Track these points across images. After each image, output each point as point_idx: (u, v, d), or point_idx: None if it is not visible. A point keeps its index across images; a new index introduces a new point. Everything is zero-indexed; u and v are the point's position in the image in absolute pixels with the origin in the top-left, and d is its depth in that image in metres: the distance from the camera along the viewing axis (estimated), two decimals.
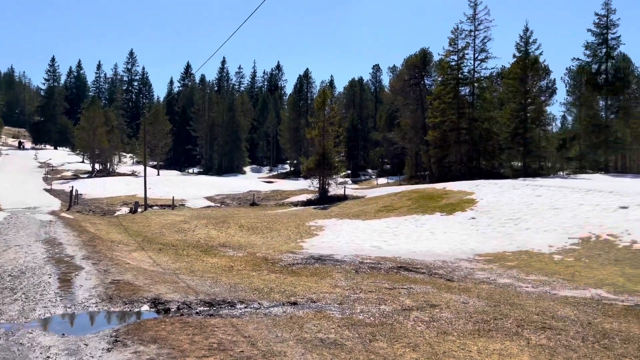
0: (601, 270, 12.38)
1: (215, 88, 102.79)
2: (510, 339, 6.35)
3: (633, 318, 7.75)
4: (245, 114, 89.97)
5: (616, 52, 49.19)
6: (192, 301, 7.87)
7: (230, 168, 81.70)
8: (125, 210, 30.60)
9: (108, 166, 63.05)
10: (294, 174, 72.46)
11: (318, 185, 34.70)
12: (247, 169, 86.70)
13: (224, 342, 5.71)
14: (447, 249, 16.60)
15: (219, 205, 35.16)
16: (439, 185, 31.32)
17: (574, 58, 52.34)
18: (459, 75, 46.59)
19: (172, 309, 7.36)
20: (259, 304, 7.93)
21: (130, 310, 7.30)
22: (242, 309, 7.54)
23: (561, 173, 46.35)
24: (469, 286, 10.55)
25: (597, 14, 48.38)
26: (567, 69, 56.28)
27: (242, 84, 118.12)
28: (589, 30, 48.96)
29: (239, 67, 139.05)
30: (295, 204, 33.62)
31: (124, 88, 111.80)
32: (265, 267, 12.65)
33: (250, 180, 59.23)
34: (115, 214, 28.95)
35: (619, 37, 48.34)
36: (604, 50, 48.26)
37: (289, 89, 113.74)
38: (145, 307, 7.45)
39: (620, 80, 47.15)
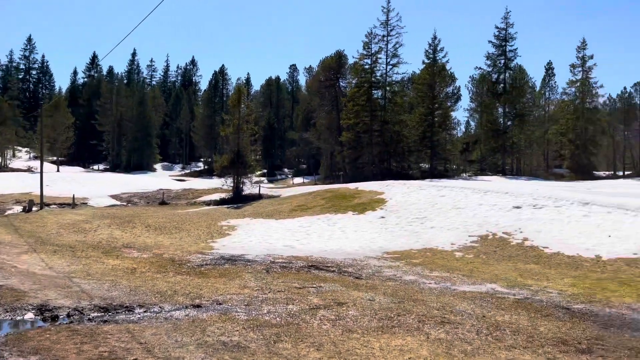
0: (497, 266, 13.23)
1: (125, 81, 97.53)
2: (411, 335, 6.53)
3: (522, 310, 8.31)
4: (157, 109, 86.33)
5: (513, 63, 53.18)
6: (85, 307, 7.30)
7: (140, 165, 77.94)
8: (17, 209, 28.06)
9: (0, 161, 57.63)
10: (207, 173, 70.67)
11: (232, 184, 34.06)
12: (157, 166, 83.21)
13: (117, 350, 5.31)
14: (357, 247, 16.94)
15: (125, 204, 33.35)
16: (352, 185, 31.99)
17: (477, 67, 56.05)
18: (372, 79, 47.93)
19: (61, 316, 6.77)
20: (160, 307, 7.53)
21: (11, 319, 6.60)
22: (141, 314, 7.10)
23: (464, 175, 49.27)
24: (376, 284, 10.79)
25: (497, 27, 52.03)
26: (470, 77, 60.29)
27: (154, 77, 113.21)
28: (490, 41, 52.55)
29: (151, 60, 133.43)
30: (208, 203, 32.76)
31: (21, 77, 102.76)
32: (171, 269, 12.11)
33: (161, 178, 56.92)
34: (6, 213, 26.44)
35: (516, 49, 52.32)
36: (503, 61, 51.98)
37: (203, 84, 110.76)
38: (29, 315, 6.78)
39: (517, 90, 51.03)
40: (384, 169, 46.99)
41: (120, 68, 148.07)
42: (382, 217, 21.51)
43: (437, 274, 12.35)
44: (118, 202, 33.60)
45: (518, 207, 19.31)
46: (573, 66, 56.43)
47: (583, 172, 52.76)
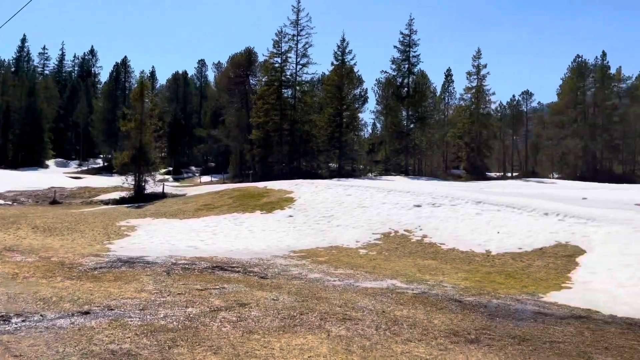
0: (398, 262, 13.72)
1: (13, 69, 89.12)
2: (312, 333, 6.52)
3: (419, 304, 8.65)
4: (50, 100, 79.81)
5: (417, 68, 55.98)
6: None
7: (29, 161, 71.58)
8: None
9: None
10: (107, 170, 66.59)
11: (133, 182, 32.36)
12: (50, 162, 76.95)
13: None
14: (264, 246, 16.77)
15: (10, 203, 30.40)
16: (261, 184, 31.73)
17: (383, 71, 58.40)
18: (283, 78, 47.99)
19: None
20: (41, 316, 6.86)
21: None
22: (18, 324, 6.42)
23: (370, 175, 50.93)
24: (281, 283, 10.72)
25: (402, 33, 54.42)
26: (376, 80, 62.45)
27: (47, 67, 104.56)
28: (395, 46, 54.84)
29: (44, 48, 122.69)
30: (106, 202, 30.82)
31: None
32: (60, 273, 11.14)
33: (54, 175, 52.65)
34: None
35: (419, 55, 55.09)
36: (407, 66, 54.47)
37: (104, 76, 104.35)
38: None
39: (419, 94, 53.75)
40: (293, 168, 47.25)
41: (8, 55, 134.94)
42: (291, 216, 21.53)
43: (342, 271, 12.54)
44: (1, 201, 30.54)
45: (418, 206, 20.24)
46: (469, 74, 60.53)
47: (477, 173, 56.78)
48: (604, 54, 63.44)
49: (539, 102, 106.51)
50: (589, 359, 6.04)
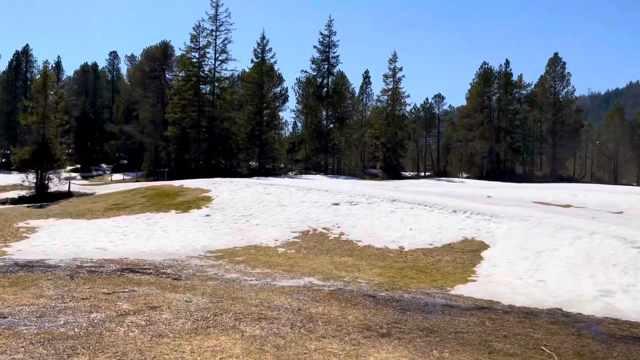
0: (315, 260, 13.85)
1: None
2: (226, 334, 6.39)
3: (334, 301, 8.77)
4: None
5: (336, 69, 56.94)
6: None
7: None
8: None
9: None
10: (5, 167, 61.18)
11: (35, 180, 30.01)
12: None
13: None
14: (179, 246, 16.23)
15: None
16: (176, 183, 30.69)
17: (303, 70, 58.68)
18: (200, 73, 46.80)
19: None
20: None
21: None
22: None
23: (290, 173, 51.07)
24: (195, 284, 10.40)
25: (321, 34, 55.05)
26: (297, 79, 62.70)
27: None
28: (315, 47, 55.34)
29: None
30: (3, 202, 28.33)
31: None
32: None
33: None
34: None
35: (338, 56, 56.06)
36: (326, 66, 55.23)
37: (2, 65, 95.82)
38: None
39: (339, 95, 54.70)
40: (211, 167, 46.22)
41: None
42: (208, 215, 21.02)
43: (259, 271, 12.43)
44: None
45: (336, 204, 20.58)
46: (386, 76, 62.50)
47: (393, 172, 58.82)
48: (507, 62, 68.32)
49: (450, 105, 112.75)
50: (489, 347, 6.43)
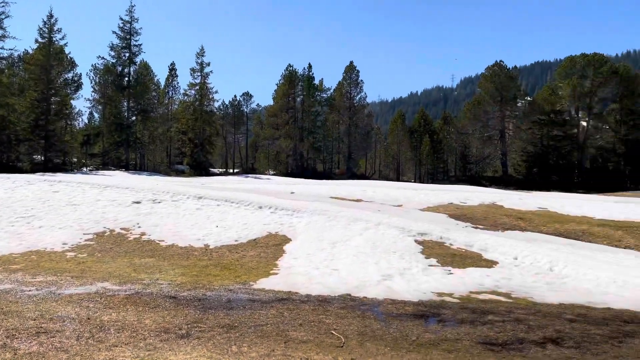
0: (112, 263, 12.78)
1: None
2: None
3: (131, 306, 8.21)
4: None
5: (139, 58, 53.49)
6: None
7: None
8: None
9: None
10: None
11: None
12: None
13: None
14: None
15: None
16: None
17: (100, 57, 53.45)
18: None
19: None
20: None
21: None
22: None
23: (85, 169, 46.33)
24: None
25: (121, 19, 51.13)
26: (93, 65, 56.92)
27: None
28: (114, 32, 51.11)
29: None
30: None
31: None
32: None
33: None
34: None
35: (140, 44, 52.76)
36: (128, 54, 51.55)
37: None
38: None
39: (142, 85, 51.51)
40: None
41: None
42: None
43: (42, 279, 10.96)
44: None
45: (138, 202, 19.34)
46: (193, 70, 61.08)
47: (201, 168, 57.84)
48: (310, 66, 72.82)
49: (258, 103, 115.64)
50: (285, 337, 6.73)
